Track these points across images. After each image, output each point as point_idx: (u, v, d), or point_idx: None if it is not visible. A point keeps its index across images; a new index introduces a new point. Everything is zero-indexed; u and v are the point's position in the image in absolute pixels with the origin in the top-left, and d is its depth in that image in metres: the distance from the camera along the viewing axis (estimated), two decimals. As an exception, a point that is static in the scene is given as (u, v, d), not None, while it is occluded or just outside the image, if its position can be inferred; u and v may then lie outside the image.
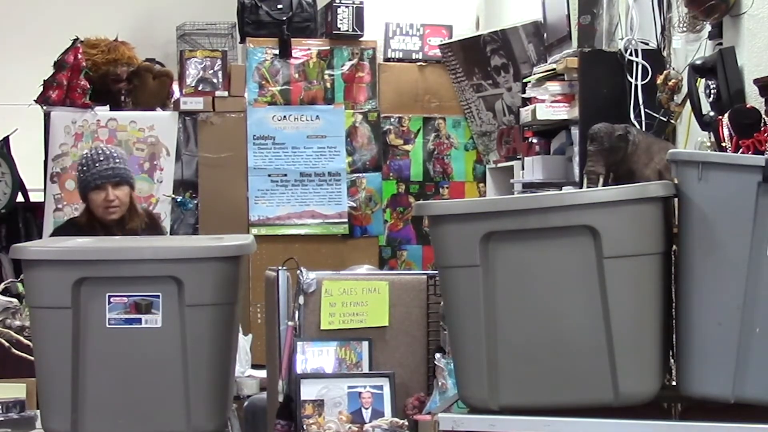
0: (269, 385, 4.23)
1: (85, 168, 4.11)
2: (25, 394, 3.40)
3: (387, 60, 6.13)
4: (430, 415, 2.47)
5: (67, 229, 4.17)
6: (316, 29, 6.10)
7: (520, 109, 5.05)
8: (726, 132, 3.32)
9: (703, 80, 3.63)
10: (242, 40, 6.07)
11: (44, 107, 5.67)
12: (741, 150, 3.21)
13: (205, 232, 5.69)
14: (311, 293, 3.29)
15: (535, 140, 4.99)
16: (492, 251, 2.37)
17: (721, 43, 3.67)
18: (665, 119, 4.10)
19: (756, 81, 3.34)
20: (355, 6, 5.97)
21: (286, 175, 5.94)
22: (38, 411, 2.65)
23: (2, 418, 3.27)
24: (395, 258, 5.94)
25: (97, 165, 4.06)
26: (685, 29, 3.82)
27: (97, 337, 2.42)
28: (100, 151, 4.13)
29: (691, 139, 3.93)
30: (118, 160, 4.10)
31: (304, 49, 6.02)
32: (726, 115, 3.35)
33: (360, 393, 3.46)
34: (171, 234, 5.75)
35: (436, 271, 2.70)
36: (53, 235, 4.34)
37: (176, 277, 2.41)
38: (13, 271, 5.31)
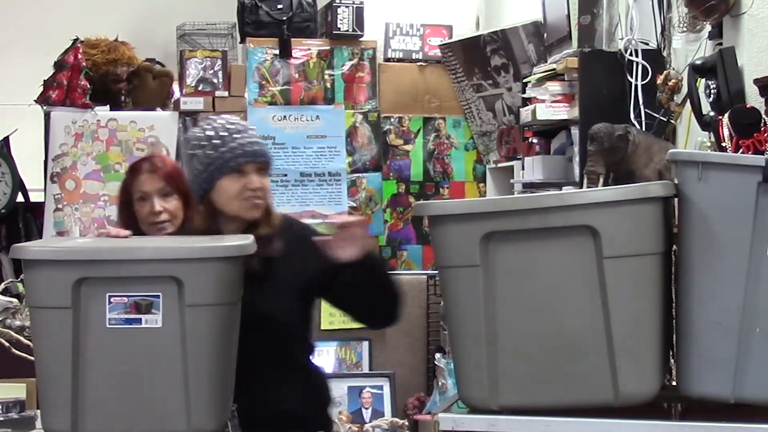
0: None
1: (217, 142, 2.89)
2: (25, 394, 3.40)
3: (387, 60, 6.13)
4: (430, 415, 2.47)
5: None
6: (316, 29, 6.10)
7: (520, 109, 5.05)
8: (726, 132, 3.32)
9: (703, 80, 3.63)
10: (242, 40, 6.06)
11: (44, 107, 5.67)
12: (741, 150, 3.22)
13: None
14: (311, 293, 3.28)
15: (535, 140, 4.99)
16: (492, 251, 2.37)
17: (721, 43, 3.67)
18: (665, 119, 4.10)
19: (756, 81, 3.35)
20: (355, 6, 5.97)
21: (286, 175, 5.94)
22: (38, 411, 2.65)
23: (2, 418, 3.27)
24: (395, 258, 5.94)
25: (236, 137, 2.89)
26: (685, 29, 3.82)
27: (97, 337, 2.42)
28: (232, 122, 2.95)
29: (691, 139, 3.94)
30: (257, 137, 2.97)
31: (304, 49, 6.02)
32: (726, 115, 3.35)
33: (360, 393, 3.46)
34: (171, 234, 5.76)
35: (436, 271, 2.69)
36: None
37: (176, 277, 2.41)
38: (13, 271, 5.31)
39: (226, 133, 2.88)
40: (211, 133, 2.89)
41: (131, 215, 3.19)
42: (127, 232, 2.85)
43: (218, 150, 2.86)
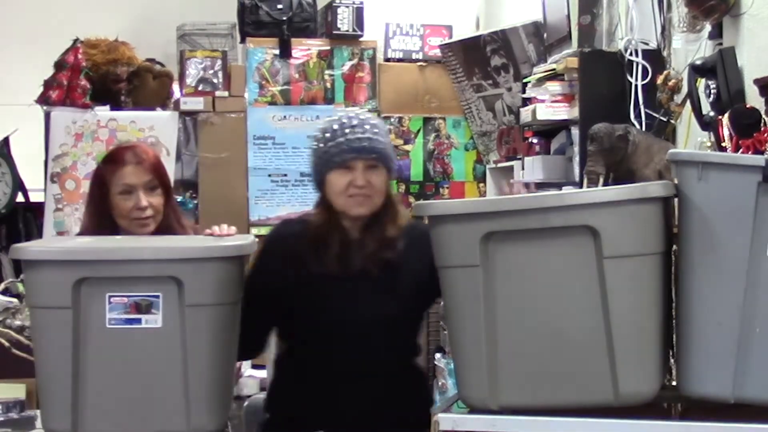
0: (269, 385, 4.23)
1: (327, 135, 2.84)
2: (25, 394, 3.40)
3: (387, 60, 6.14)
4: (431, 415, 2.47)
5: (283, 240, 2.92)
6: (316, 29, 6.10)
7: (520, 109, 5.05)
8: (726, 132, 3.32)
9: (703, 80, 3.63)
10: (242, 40, 6.07)
11: (44, 107, 5.67)
12: (741, 150, 3.22)
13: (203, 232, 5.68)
14: (311, 293, 3.27)
15: (535, 140, 4.99)
16: (492, 251, 2.37)
17: (721, 43, 3.67)
18: (665, 119, 4.10)
19: (756, 81, 3.34)
20: (355, 6, 5.98)
21: (286, 175, 5.94)
22: (38, 411, 2.65)
23: (2, 418, 3.27)
24: (395, 258, 5.93)
25: (346, 132, 2.81)
26: (685, 29, 3.82)
27: (97, 337, 2.42)
28: (351, 116, 2.87)
29: (691, 139, 3.94)
30: (376, 131, 2.84)
31: (304, 49, 6.02)
32: (726, 115, 3.35)
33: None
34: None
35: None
36: (261, 252, 2.90)
37: (176, 277, 2.41)
38: (13, 271, 5.31)
39: (338, 127, 2.82)
40: (327, 126, 2.85)
41: (105, 209, 3.02)
42: (234, 228, 2.76)
43: (327, 144, 2.81)
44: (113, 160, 3.07)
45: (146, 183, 3.00)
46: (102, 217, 3.02)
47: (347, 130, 2.80)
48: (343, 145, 2.79)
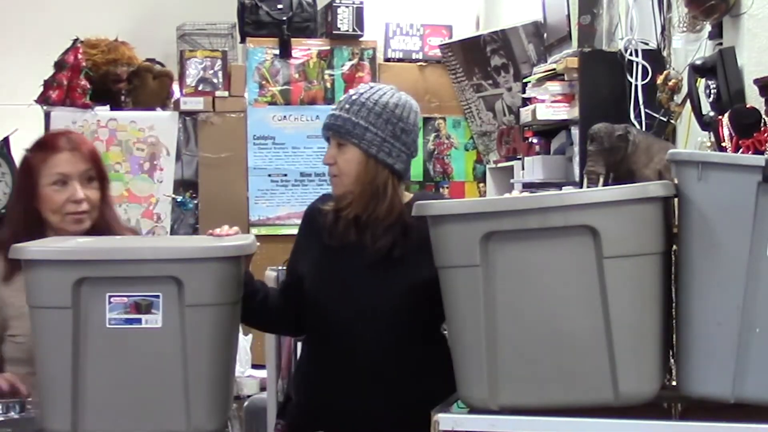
0: (269, 385, 4.24)
1: None
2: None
3: (387, 60, 6.14)
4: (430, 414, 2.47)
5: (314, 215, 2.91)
6: (316, 29, 6.11)
7: (520, 109, 5.05)
8: (726, 132, 3.32)
9: (703, 80, 3.63)
10: (242, 40, 6.07)
11: (44, 107, 5.67)
12: (741, 150, 3.22)
13: (205, 233, 5.69)
14: (311, 293, 3.27)
15: (535, 140, 5.00)
16: (492, 251, 2.37)
17: (721, 43, 3.67)
18: (665, 119, 4.10)
19: (756, 81, 3.34)
20: (355, 6, 5.98)
21: (286, 175, 5.94)
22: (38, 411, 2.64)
23: (2, 418, 3.27)
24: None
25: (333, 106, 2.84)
26: (685, 29, 3.82)
27: (97, 337, 2.42)
28: (351, 92, 2.82)
29: (691, 139, 3.94)
30: (347, 106, 2.75)
31: (304, 49, 6.02)
32: (726, 115, 3.35)
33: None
34: (171, 234, 5.76)
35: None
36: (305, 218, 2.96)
37: (176, 277, 2.41)
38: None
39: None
40: None
41: (32, 201, 2.72)
42: (236, 229, 2.70)
43: None
44: (45, 146, 2.76)
45: (83, 173, 2.72)
46: (26, 213, 2.71)
47: (333, 105, 2.82)
48: (324, 123, 2.82)
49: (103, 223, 2.79)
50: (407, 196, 2.87)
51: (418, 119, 2.87)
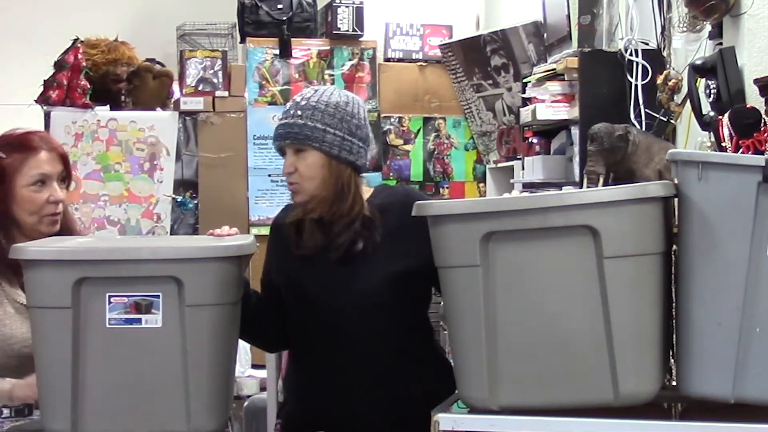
0: (269, 385, 4.24)
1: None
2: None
3: (387, 60, 6.14)
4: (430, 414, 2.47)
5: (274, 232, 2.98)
6: (316, 29, 6.11)
7: (520, 109, 5.05)
8: (726, 132, 3.32)
9: (703, 80, 3.63)
10: (242, 40, 6.07)
11: (44, 107, 5.67)
12: (741, 150, 3.21)
13: (205, 232, 5.69)
14: (311, 293, 3.27)
15: (535, 140, 4.99)
16: (492, 251, 2.37)
17: (721, 43, 3.67)
18: (665, 119, 4.10)
19: (756, 81, 3.34)
20: (355, 6, 5.98)
21: (286, 175, 5.94)
22: (38, 411, 2.64)
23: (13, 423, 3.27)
24: (395, 258, 5.93)
25: (282, 115, 2.79)
26: (685, 29, 3.82)
27: (97, 337, 2.42)
28: (299, 96, 2.78)
29: (691, 139, 3.94)
30: (300, 112, 2.73)
31: (304, 49, 6.02)
32: (726, 115, 3.35)
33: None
34: (171, 234, 5.76)
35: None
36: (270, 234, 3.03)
37: (176, 277, 2.41)
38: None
39: (283, 109, 2.81)
40: None
41: (6, 203, 2.63)
42: (236, 229, 2.71)
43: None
44: (21, 146, 2.70)
45: (59, 173, 2.69)
46: (3, 216, 2.64)
47: (282, 114, 2.78)
48: (276, 131, 2.79)
49: (65, 225, 2.76)
50: (368, 191, 2.91)
51: (366, 113, 2.87)
